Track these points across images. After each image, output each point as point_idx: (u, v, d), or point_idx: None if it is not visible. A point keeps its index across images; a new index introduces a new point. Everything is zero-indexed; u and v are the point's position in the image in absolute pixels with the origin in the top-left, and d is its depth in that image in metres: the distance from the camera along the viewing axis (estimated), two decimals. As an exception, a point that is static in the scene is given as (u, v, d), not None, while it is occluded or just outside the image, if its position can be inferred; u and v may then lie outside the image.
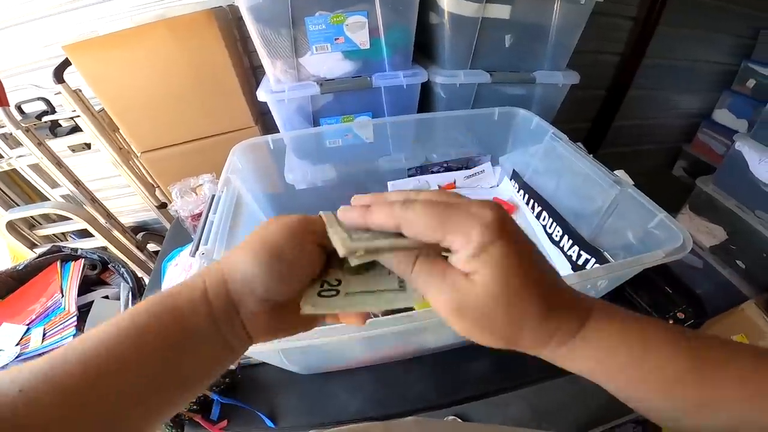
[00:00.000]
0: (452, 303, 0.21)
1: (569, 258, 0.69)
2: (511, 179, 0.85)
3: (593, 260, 0.64)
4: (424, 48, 0.96)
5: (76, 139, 1.09)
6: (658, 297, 0.71)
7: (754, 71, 1.51)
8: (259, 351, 0.50)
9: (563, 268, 0.70)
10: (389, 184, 0.85)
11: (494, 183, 0.88)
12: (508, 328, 0.21)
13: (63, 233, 1.32)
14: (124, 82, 0.93)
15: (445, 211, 0.21)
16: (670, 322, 0.68)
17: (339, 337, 0.43)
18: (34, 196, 1.28)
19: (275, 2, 0.73)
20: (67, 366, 0.20)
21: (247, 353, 0.27)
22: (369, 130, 0.91)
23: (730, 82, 1.60)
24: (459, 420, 1.22)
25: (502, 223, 0.21)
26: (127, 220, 1.34)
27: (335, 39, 0.80)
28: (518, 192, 0.82)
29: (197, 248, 0.53)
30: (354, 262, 0.22)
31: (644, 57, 1.38)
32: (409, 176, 0.86)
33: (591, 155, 0.65)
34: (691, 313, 0.69)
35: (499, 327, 0.21)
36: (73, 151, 1.13)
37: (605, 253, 0.62)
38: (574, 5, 0.83)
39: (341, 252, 0.22)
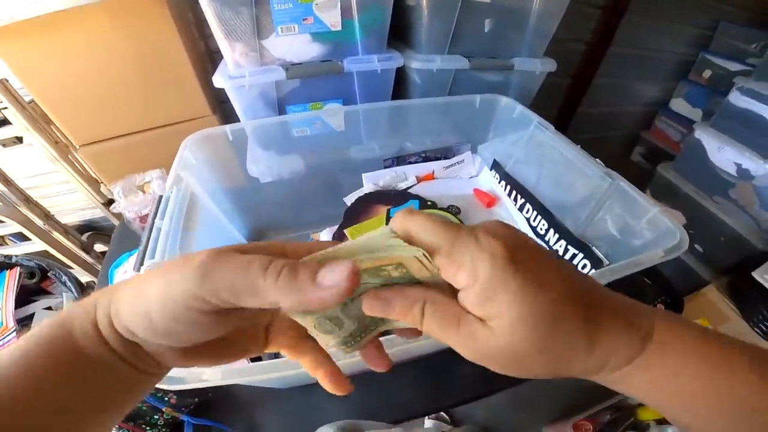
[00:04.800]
0: (476, 353, 0.19)
1: (555, 252, 0.65)
2: (491, 169, 0.80)
3: (581, 255, 0.60)
4: (399, 31, 0.89)
5: (4, 132, 0.94)
6: (638, 289, 0.70)
7: (711, 62, 1.55)
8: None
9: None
10: (363, 176, 0.78)
11: (474, 173, 0.83)
12: (547, 368, 0.18)
13: (2, 236, 1.16)
14: (58, 71, 0.80)
15: (452, 229, 0.18)
16: None
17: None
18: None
19: (234, -21, 0.63)
20: None
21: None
22: (339, 118, 0.83)
23: (687, 72, 1.65)
24: (443, 415, 1.20)
25: (515, 254, 0.17)
26: (71, 220, 1.18)
27: (303, 19, 0.72)
28: (499, 183, 0.78)
29: (142, 262, 0.44)
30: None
31: (610, 46, 1.38)
32: (385, 167, 0.79)
33: (579, 145, 0.61)
34: (669, 304, 0.68)
35: (536, 368, 0.18)
36: (4, 145, 0.97)
37: (594, 248, 0.59)
38: (554, -10, 0.79)
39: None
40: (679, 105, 1.69)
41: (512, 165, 0.76)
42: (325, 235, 0.71)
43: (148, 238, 0.49)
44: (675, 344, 0.18)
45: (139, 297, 0.18)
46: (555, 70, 0.93)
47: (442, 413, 1.21)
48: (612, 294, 0.19)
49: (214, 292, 0.17)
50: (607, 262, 0.57)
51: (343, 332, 0.21)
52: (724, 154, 1.16)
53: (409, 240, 0.18)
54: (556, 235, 0.65)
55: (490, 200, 0.76)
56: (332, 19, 0.73)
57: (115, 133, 0.92)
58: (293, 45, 0.75)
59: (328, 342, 0.22)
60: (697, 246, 1.32)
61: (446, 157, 0.81)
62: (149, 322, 0.18)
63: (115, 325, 0.19)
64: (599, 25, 1.34)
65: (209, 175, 0.67)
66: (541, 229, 0.68)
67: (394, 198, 0.74)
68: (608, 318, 0.18)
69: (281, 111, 0.84)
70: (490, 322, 0.17)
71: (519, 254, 0.17)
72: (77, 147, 0.91)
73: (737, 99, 1.13)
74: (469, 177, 0.83)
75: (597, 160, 0.86)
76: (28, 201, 0.95)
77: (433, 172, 0.81)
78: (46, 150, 0.94)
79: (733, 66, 1.46)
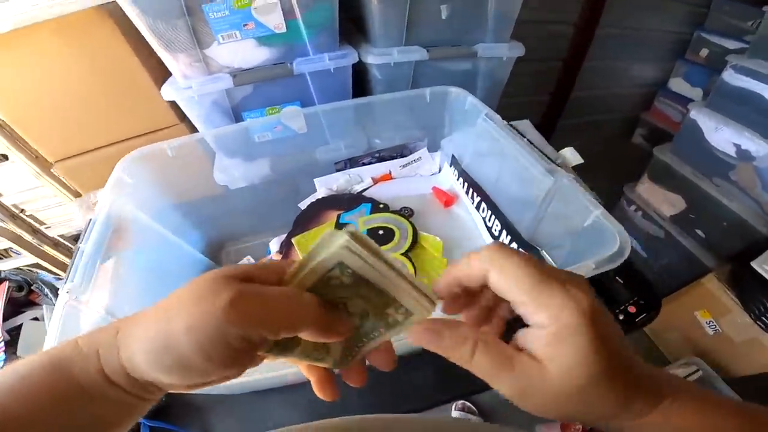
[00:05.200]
0: (520, 390, 0.20)
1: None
2: (451, 165, 0.74)
3: (532, 258, 0.54)
4: (358, 24, 0.84)
5: (-12, 150, 0.95)
6: (608, 289, 0.63)
7: (707, 41, 1.44)
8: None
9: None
10: (316, 181, 0.74)
11: (435, 169, 0.78)
12: (577, 412, 0.20)
13: (6, 249, 1.19)
14: (18, 90, 0.80)
15: (542, 277, 0.19)
16: (620, 317, 0.60)
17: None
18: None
19: (163, -9, 0.60)
20: None
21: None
22: (300, 121, 0.79)
23: (684, 51, 1.54)
24: (469, 405, 1.14)
25: (594, 310, 0.19)
26: (67, 230, 1.20)
27: (244, 25, 0.68)
28: (458, 180, 0.72)
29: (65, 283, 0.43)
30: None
31: (597, 27, 1.28)
32: (337, 170, 0.75)
33: (526, 138, 0.55)
34: (643, 305, 0.60)
35: (569, 411, 0.20)
36: (-11, 162, 0.98)
37: (543, 252, 0.53)
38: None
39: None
40: (678, 85, 1.58)
41: (469, 160, 0.70)
42: (274, 244, 0.67)
43: (73, 261, 0.47)
44: (680, 408, 0.19)
45: (164, 348, 0.18)
46: (524, 54, 0.86)
47: (466, 403, 1.15)
48: (641, 364, 0.20)
49: (256, 331, 0.18)
50: (555, 267, 0.51)
51: (331, 357, 0.23)
52: (722, 135, 1.06)
53: (498, 277, 0.20)
54: (509, 237, 0.59)
55: (448, 199, 0.71)
56: (275, 22, 0.69)
57: (87, 147, 0.92)
58: (239, 51, 0.71)
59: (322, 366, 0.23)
60: (698, 231, 1.21)
61: (402, 156, 0.76)
62: (183, 369, 0.18)
63: (128, 371, 0.19)
64: (584, 6, 1.23)
65: (152, 193, 0.65)
66: (495, 230, 0.63)
67: (347, 202, 0.70)
68: (636, 382, 0.19)
69: (238, 118, 0.81)
70: (548, 363, 0.19)
71: (596, 312, 0.19)
72: (52, 163, 0.92)
73: (731, 77, 1.03)
74: (430, 174, 0.78)
75: (571, 148, 0.78)
76: (14, 217, 0.96)
77: (390, 172, 0.76)
78: (28, 166, 0.95)
79: (730, 44, 1.34)
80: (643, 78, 1.61)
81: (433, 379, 0.59)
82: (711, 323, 1.04)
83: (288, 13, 0.69)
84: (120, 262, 0.53)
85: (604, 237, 0.42)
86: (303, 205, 0.73)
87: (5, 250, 1.19)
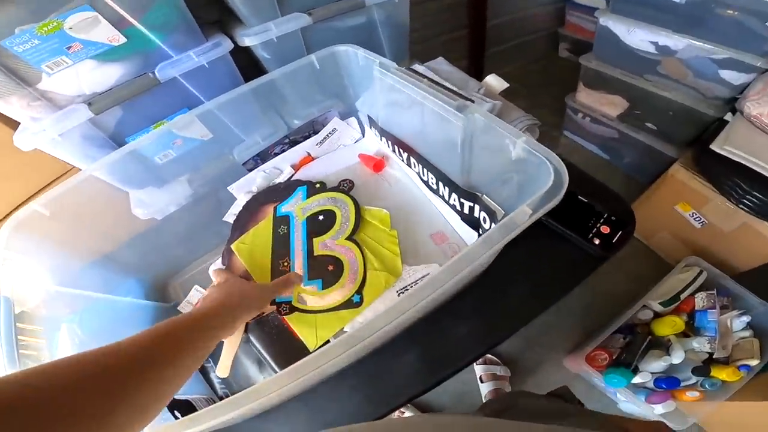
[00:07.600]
0: None
1: (453, 207, 0.49)
2: (371, 127, 0.62)
3: (477, 207, 0.44)
4: (228, 9, 0.68)
5: None
6: (574, 212, 0.52)
7: None
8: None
9: (452, 219, 0.50)
10: (230, 189, 0.61)
11: (358, 135, 0.65)
12: None
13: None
14: None
15: None
16: (596, 242, 0.49)
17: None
18: None
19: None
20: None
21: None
22: (198, 127, 0.64)
23: None
24: (491, 357, 1.05)
25: None
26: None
27: (67, 48, 0.52)
28: (381, 140, 0.60)
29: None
30: None
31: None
32: (249, 170, 0.62)
33: (426, 79, 0.42)
34: (615, 222, 0.51)
35: None
36: None
37: (484, 197, 0.42)
38: None
39: None
40: (579, -4, 1.51)
41: (384, 117, 0.58)
42: (214, 266, 0.55)
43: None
44: None
45: (242, 312, 0.40)
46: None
47: (488, 355, 1.06)
48: None
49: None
50: (502, 211, 0.40)
51: None
52: (636, 36, 0.99)
53: None
54: (447, 189, 0.48)
55: (376, 163, 0.59)
56: (106, 36, 0.53)
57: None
58: (81, 76, 0.56)
59: None
60: (648, 124, 1.14)
61: (315, 132, 0.63)
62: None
63: (232, 318, 0.39)
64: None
65: (52, 259, 0.50)
66: (432, 183, 0.51)
67: (282, 192, 0.58)
68: None
69: (122, 146, 0.66)
70: None
71: None
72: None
73: (624, -19, 0.95)
74: (354, 141, 0.65)
75: (494, 75, 0.66)
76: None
77: (309, 154, 0.63)
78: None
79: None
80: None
81: (417, 366, 0.49)
82: (695, 215, 0.95)
83: (120, 23, 0.53)
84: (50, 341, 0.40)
85: (538, 170, 0.32)
86: (229, 218, 0.60)
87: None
